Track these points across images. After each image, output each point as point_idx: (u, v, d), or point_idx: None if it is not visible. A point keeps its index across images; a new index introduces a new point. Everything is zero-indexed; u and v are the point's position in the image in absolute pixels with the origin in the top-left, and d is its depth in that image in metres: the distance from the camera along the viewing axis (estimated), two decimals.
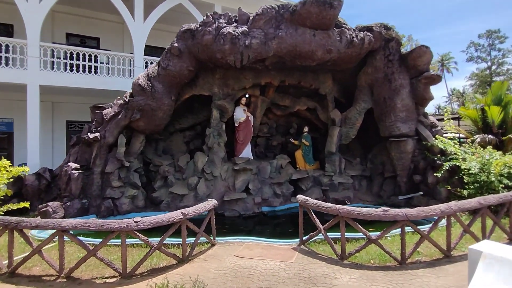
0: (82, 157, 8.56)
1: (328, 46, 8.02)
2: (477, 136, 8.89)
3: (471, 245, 3.12)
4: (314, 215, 5.18)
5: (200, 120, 10.18)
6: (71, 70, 12.16)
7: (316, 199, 8.71)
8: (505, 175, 7.43)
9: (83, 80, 12.22)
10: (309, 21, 7.78)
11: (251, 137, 9.98)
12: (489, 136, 8.58)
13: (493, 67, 41.69)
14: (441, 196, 8.20)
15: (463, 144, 8.71)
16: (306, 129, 10.46)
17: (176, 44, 8.18)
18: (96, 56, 12.73)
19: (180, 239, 4.86)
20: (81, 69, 12.33)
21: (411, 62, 8.51)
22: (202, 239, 5.26)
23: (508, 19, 70.55)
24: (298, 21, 7.83)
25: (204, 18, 8.17)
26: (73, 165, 7.99)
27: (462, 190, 7.68)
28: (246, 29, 7.84)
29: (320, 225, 5.05)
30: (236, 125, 9.61)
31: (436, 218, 4.77)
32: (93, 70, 12.72)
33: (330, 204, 4.84)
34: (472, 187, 7.57)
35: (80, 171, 7.92)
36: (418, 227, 5.75)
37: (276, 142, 11.17)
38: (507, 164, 7.54)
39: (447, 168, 7.80)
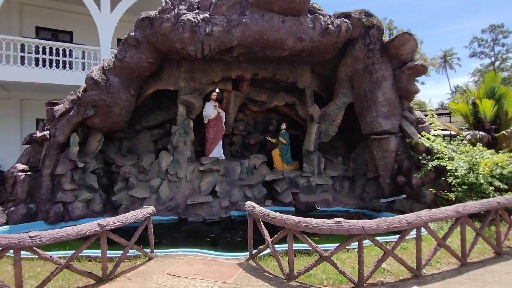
0: (35, 158, 7.87)
1: (300, 33, 7.24)
2: (467, 132, 8.05)
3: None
4: (263, 225, 4.43)
5: (169, 117, 9.43)
6: (44, 66, 11.53)
7: (290, 202, 8.00)
8: (497, 176, 6.60)
9: (55, 76, 11.57)
10: (277, 6, 7.00)
11: (223, 135, 9.23)
12: (481, 132, 7.73)
13: (497, 63, 40.47)
14: (426, 200, 7.39)
15: (452, 142, 7.88)
16: (283, 126, 9.69)
17: (133, 34, 7.46)
18: (71, 51, 12.09)
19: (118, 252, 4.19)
20: (54, 64, 11.70)
21: (393, 52, 7.69)
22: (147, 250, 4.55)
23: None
24: (265, 6, 7.05)
25: (163, 4, 7.42)
26: (20, 166, 7.31)
27: (449, 193, 6.87)
28: (207, 15, 7.08)
29: (268, 238, 4.30)
30: (205, 122, 8.87)
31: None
32: (67, 65, 12.09)
33: (277, 214, 4.08)
34: (460, 189, 6.76)
35: (27, 173, 7.23)
36: (388, 238, 5.02)
37: (254, 141, 10.40)
38: (499, 164, 6.71)
39: (430, 168, 7.00)
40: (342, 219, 3.72)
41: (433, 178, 7.52)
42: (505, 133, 7.45)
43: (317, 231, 3.71)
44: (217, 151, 8.98)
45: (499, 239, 4.74)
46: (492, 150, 7.19)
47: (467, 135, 7.89)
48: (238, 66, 8.62)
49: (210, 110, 8.94)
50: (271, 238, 4.26)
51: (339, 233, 3.66)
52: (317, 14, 7.47)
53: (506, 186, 6.35)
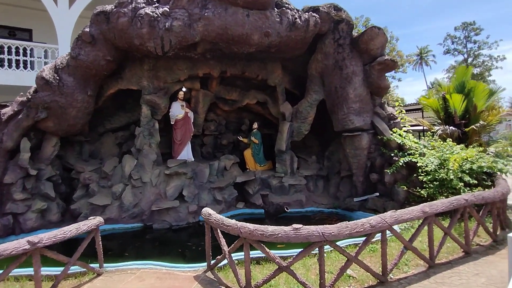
0: None
1: (266, 28, 6.92)
2: (437, 127, 7.98)
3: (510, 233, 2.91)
4: (220, 234, 4.08)
5: (135, 118, 8.88)
6: (1, 66, 10.79)
7: (260, 204, 7.68)
8: (467, 171, 6.52)
9: (12, 76, 10.84)
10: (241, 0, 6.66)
11: (192, 136, 8.81)
12: (451, 127, 7.67)
13: (469, 59, 41.71)
14: (399, 197, 7.26)
15: (423, 138, 7.79)
16: (255, 125, 9.38)
17: (87, 30, 6.93)
18: (32, 50, 11.36)
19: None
20: (14, 64, 10.98)
21: (363, 46, 7.51)
22: (96, 266, 4.09)
23: (485, 13, 71.68)
24: (228, 0, 6.69)
25: None
26: None
27: (421, 189, 6.74)
28: (167, 9, 6.65)
29: (225, 247, 3.95)
30: (172, 122, 8.43)
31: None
32: (29, 65, 11.36)
33: (232, 222, 3.74)
34: (431, 186, 6.64)
35: None
36: (359, 239, 4.77)
37: (226, 141, 10.02)
38: (468, 159, 6.64)
39: (401, 164, 6.85)
40: (301, 226, 3.42)
41: (406, 175, 7.39)
42: (474, 127, 7.41)
43: (273, 240, 3.40)
44: (186, 153, 8.56)
45: (467, 238, 4.59)
46: (462, 145, 7.12)
47: (437, 130, 7.81)
48: (205, 64, 8.22)
49: (177, 110, 8.50)
50: (229, 247, 3.92)
51: (297, 240, 3.36)
52: (284, 8, 7.18)
53: (475, 181, 6.27)
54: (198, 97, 8.97)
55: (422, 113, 9.65)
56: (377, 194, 7.54)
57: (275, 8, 7.24)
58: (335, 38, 7.73)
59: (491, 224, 5.15)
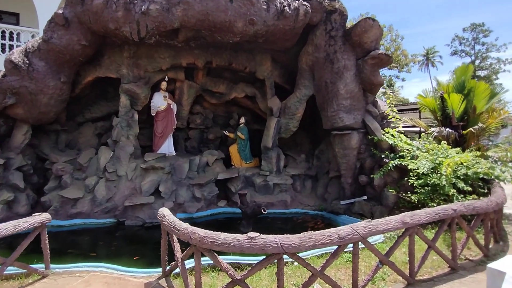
0: None
1: (251, 15, 6.43)
2: (433, 129, 7.47)
3: (490, 264, 2.96)
4: (175, 238, 3.66)
5: (116, 108, 8.35)
6: None
7: (243, 203, 7.25)
8: (462, 177, 6.03)
9: None
10: None
11: (174, 129, 8.38)
12: (447, 129, 7.16)
13: (477, 62, 40.79)
14: (388, 202, 6.79)
15: (418, 139, 7.28)
16: (242, 119, 8.93)
17: (61, 11, 6.49)
18: (19, 34, 10.97)
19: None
20: None
21: (356, 39, 6.99)
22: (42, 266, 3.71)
23: (494, 15, 70.17)
24: None
25: None
26: None
27: (412, 194, 6.27)
28: None
29: (178, 253, 3.53)
30: (153, 114, 8.01)
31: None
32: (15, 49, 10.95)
33: (183, 226, 3.31)
34: (423, 190, 6.17)
35: None
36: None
37: (213, 135, 9.58)
38: (464, 164, 6.14)
39: (390, 168, 6.37)
40: (257, 234, 2.98)
41: (397, 178, 6.92)
42: (472, 130, 6.89)
43: (224, 249, 2.97)
44: (167, 147, 8.15)
45: (454, 252, 4.12)
46: (458, 149, 6.62)
47: (433, 132, 7.30)
48: (189, 53, 7.77)
49: (159, 101, 8.08)
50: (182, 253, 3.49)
51: (252, 251, 2.93)
52: None
53: (470, 188, 5.78)
54: (182, 88, 8.53)
55: (420, 114, 9.13)
56: (365, 197, 7.08)
57: None
58: (327, 30, 7.23)
59: (484, 236, 4.69)
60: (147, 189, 7.13)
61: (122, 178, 7.20)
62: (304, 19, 6.97)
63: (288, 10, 6.73)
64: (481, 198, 5.64)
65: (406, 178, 6.53)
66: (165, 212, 3.76)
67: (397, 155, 6.74)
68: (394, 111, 6.73)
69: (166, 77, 8.02)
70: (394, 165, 6.42)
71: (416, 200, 6.20)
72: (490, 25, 54.25)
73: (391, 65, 30.68)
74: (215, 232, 3.09)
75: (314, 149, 9.02)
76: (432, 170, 6.02)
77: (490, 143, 7.81)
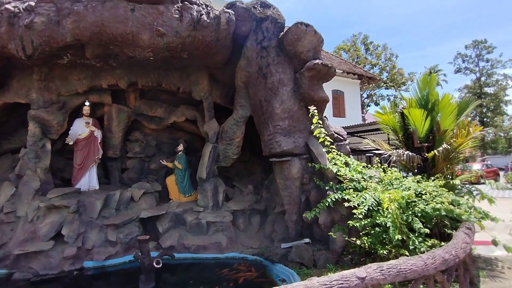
0: None
1: (159, 25, 5.50)
2: (388, 152, 6.13)
3: None
4: None
5: None
6: None
7: (170, 246, 6.02)
8: (419, 214, 4.65)
9: None
10: None
11: (99, 160, 7.33)
12: (407, 152, 5.81)
13: (483, 79, 39.23)
14: (335, 246, 5.40)
15: (372, 166, 5.94)
16: (180, 147, 7.84)
17: None
18: None
19: None
20: None
21: (290, 49, 5.94)
22: None
23: (497, 36, 69.02)
24: None
25: None
26: None
27: (356, 239, 4.89)
28: (32, 3, 5.37)
29: None
30: (69, 143, 7.00)
31: None
32: None
33: None
34: (372, 232, 4.80)
35: None
36: None
37: (156, 165, 8.47)
38: (424, 198, 4.78)
39: (329, 203, 5.05)
40: None
41: (346, 215, 5.53)
42: (436, 152, 5.51)
43: None
44: (87, 180, 7.06)
45: None
46: (418, 177, 5.26)
47: (390, 155, 5.97)
48: (109, 73, 6.88)
49: (80, 129, 7.12)
50: None
51: None
52: (187, 3, 5.76)
53: (427, 230, 4.37)
54: (111, 113, 7.57)
55: (388, 135, 7.80)
56: (307, 240, 5.70)
57: (180, 3, 5.84)
58: (258, 40, 6.21)
59: None
60: (46, 232, 5.96)
61: (20, 219, 6.09)
62: (228, 28, 6.00)
63: (206, 19, 5.78)
64: (442, 244, 4.25)
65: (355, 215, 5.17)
66: None
67: (343, 187, 5.42)
68: (327, 143, 5.39)
69: (86, 101, 7.09)
70: (334, 199, 5.08)
71: (366, 245, 4.81)
72: (492, 41, 52.78)
73: (388, 85, 29.50)
74: None
75: (266, 179, 7.77)
76: (376, 207, 4.67)
77: (460, 167, 6.37)
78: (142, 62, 6.63)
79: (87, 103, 7.10)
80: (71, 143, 6.98)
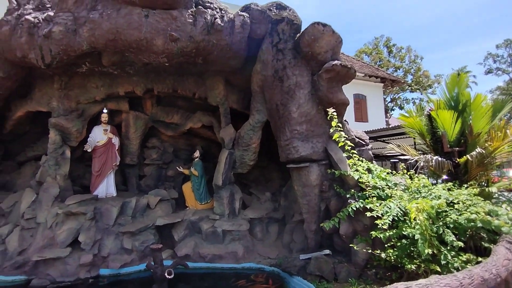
0: None
1: (172, 31, 5.45)
2: (415, 157, 5.68)
3: None
4: None
5: None
6: None
7: (185, 255, 5.90)
8: (451, 225, 4.22)
9: None
10: None
11: (116, 166, 7.37)
12: (437, 157, 5.35)
13: None
14: (358, 259, 5.02)
15: (398, 173, 5.53)
16: (197, 153, 7.75)
17: None
18: None
19: None
20: None
21: (307, 50, 5.70)
22: None
23: None
24: None
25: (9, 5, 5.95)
26: None
27: (381, 251, 4.51)
28: (50, 14, 5.50)
29: None
30: (88, 150, 7.07)
31: None
32: None
33: None
34: (399, 244, 4.41)
35: None
36: None
37: (173, 172, 8.43)
38: (455, 207, 4.35)
39: (348, 213, 4.71)
40: None
41: (369, 226, 5.16)
42: (469, 157, 5.03)
43: None
44: (105, 187, 7.10)
45: None
46: (449, 184, 4.81)
47: (418, 161, 5.54)
48: (126, 80, 6.93)
49: (98, 136, 7.20)
50: None
51: None
52: (201, 7, 5.69)
53: (461, 244, 3.94)
54: (128, 120, 7.63)
55: (414, 140, 7.29)
56: (328, 252, 5.36)
57: (194, 8, 5.79)
58: (274, 42, 6.02)
59: None
60: (63, 239, 5.99)
61: (40, 225, 6.17)
62: (242, 31, 5.86)
63: (220, 23, 5.67)
64: (479, 259, 3.83)
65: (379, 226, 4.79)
66: None
67: (366, 195, 5.06)
68: (348, 148, 5.06)
69: (105, 109, 7.17)
70: (355, 208, 4.74)
71: (392, 259, 4.43)
72: None
73: (412, 88, 28.39)
74: None
75: (284, 186, 7.49)
76: (402, 217, 4.29)
77: (497, 174, 5.81)
78: (158, 69, 6.63)
79: (105, 111, 7.18)
80: (89, 150, 7.05)
